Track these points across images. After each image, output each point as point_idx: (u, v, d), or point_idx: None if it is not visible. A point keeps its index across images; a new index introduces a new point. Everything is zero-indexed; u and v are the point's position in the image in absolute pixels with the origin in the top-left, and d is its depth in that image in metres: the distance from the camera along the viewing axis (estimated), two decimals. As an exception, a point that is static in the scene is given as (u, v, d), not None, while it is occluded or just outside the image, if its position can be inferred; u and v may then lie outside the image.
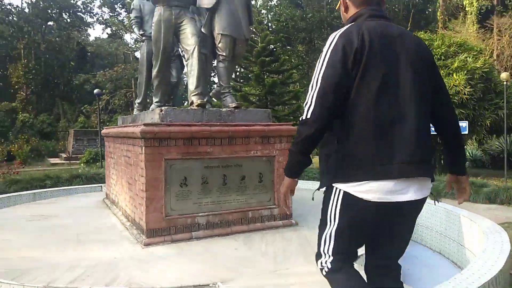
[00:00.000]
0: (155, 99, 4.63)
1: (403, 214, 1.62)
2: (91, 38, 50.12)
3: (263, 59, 13.80)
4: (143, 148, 3.48)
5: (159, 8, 4.24)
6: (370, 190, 1.51)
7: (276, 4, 39.10)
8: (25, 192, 6.49)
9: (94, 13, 56.12)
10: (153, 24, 4.33)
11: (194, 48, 4.08)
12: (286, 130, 4.13)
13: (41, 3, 42.37)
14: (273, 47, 14.48)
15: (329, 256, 1.70)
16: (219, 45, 4.23)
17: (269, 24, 37.79)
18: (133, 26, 5.20)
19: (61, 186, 8.03)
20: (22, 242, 3.58)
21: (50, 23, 45.99)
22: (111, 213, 4.82)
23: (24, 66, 38.03)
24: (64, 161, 20.92)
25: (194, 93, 4.01)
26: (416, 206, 1.63)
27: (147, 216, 3.48)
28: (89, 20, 48.61)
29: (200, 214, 3.70)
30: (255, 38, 15.56)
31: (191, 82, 4.07)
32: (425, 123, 1.62)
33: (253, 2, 34.44)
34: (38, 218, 4.62)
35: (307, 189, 7.19)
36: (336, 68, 1.53)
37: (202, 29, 4.28)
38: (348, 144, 1.56)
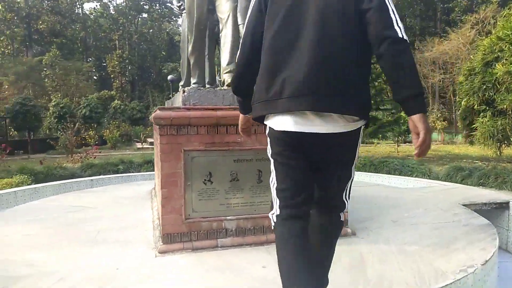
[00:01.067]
0: (192, 80, 4.03)
1: (317, 145, 1.57)
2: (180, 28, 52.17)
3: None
4: (159, 137, 2.91)
5: (191, -27, 3.60)
6: (277, 122, 1.57)
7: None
8: (83, 179, 6.45)
9: (183, 3, 58.17)
10: (186, -9, 3.71)
11: (229, 15, 3.39)
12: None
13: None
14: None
15: (277, 205, 1.69)
16: (262, 10, 3.47)
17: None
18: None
19: (132, 172, 8.03)
20: (37, 240, 3.26)
21: (143, 15, 48.73)
22: (150, 207, 4.39)
23: (118, 56, 40.74)
24: (149, 146, 21.90)
25: (227, 70, 3.33)
26: (325, 139, 1.53)
27: (163, 218, 2.91)
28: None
29: (228, 217, 3.04)
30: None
31: (224, 57, 3.39)
32: (333, 50, 1.47)
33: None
34: (76, 209, 4.36)
35: (380, 184, 6.16)
36: (252, 14, 1.69)
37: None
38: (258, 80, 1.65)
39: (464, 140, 11.96)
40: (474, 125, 9.41)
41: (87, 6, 44.30)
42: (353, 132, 1.56)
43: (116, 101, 30.11)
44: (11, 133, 22.76)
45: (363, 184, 6.22)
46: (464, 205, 4.19)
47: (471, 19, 22.95)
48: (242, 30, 3.93)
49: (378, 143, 19.17)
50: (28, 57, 29.99)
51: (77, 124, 15.24)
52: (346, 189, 1.75)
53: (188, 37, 4.50)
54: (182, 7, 4.65)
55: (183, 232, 2.94)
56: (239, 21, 4.02)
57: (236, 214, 3.06)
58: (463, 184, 6.21)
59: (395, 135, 17.03)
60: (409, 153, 15.35)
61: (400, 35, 1.42)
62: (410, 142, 21.30)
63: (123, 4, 45.65)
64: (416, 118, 1.40)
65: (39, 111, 21.16)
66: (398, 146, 16.52)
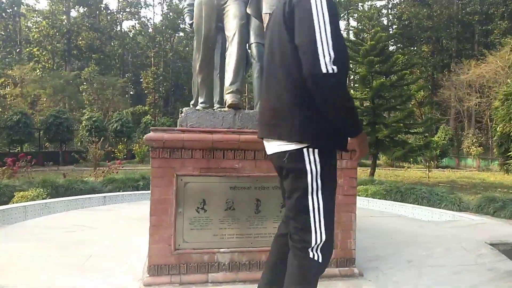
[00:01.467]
0: (200, 100, 3.87)
1: (276, 168, 1.82)
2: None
3: (371, 59, 12.32)
4: (151, 159, 2.73)
5: (199, -11, 3.48)
6: None
7: (398, 2, 36.16)
8: (96, 195, 6.39)
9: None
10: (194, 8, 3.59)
11: (235, 33, 3.23)
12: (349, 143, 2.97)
13: (170, 14, 46.12)
14: (384, 45, 12.83)
15: None
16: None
17: (389, 24, 35.07)
18: (185, 15, 4.57)
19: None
20: (23, 262, 3.12)
21: (180, 33, 50.01)
22: (153, 229, 4.21)
23: (153, 72, 41.78)
24: (175, 162, 22.02)
25: (229, 90, 3.14)
26: (273, 158, 1.77)
27: (150, 248, 2.70)
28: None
29: (221, 249, 2.79)
30: (364, 35, 14.07)
31: (228, 76, 3.21)
32: (272, 83, 1.72)
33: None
34: (76, 229, 4.25)
35: (401, 216, 5.74)
36: None
37: (247, 10, 3.39)
38: None
39: (499, 167, 11.27)
40: (510, 153, 8.83)
41: (126, 24, 45.85)
42: (293, 155, 1.62)
43: (147, 116, 30.70)
44: (45, 144, 23.54)
45: (383, 214, 5.83)
46: (491, 244, 3.76)
47: (511, 42, 22.03)
48: (254, 49, 3.79)
49: (408, 168, 18.45)
50: (66, 71, 31.20)
51: (101, 139, 15.43)
52: (308, 223, 1.62)
53: (196, 56, 4.37)
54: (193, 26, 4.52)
55: (171, 264, 2.72)
56: (252, 40, 3.86)
57: (230, 246, 2.81)
58: (495, 216, 5.72)
59: (426, 160, 16.35)
60: (440, 180, 14.64)
61: (324, 70, 1.44)
62: (442, 167, 20.43)
63: (160, 23, 47.07)
64: (353, 140, 1.70)
65: (72, 124, 21.78)
66: (429, 171, 15.80)
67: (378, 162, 19.89)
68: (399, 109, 13.40)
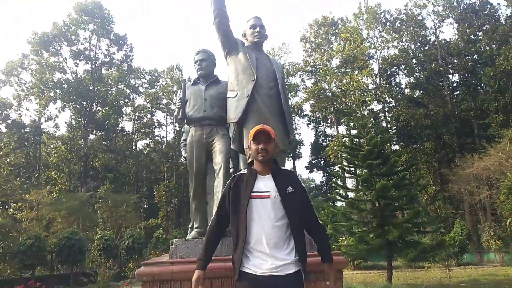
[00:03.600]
0: (195, 225, 4.19)
1: None
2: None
3: (370, 162, 12.80)
4: (143, 292, 2.94)
5: (192, 128, 4.04)
6: None
7: (394, 105, 38.21)
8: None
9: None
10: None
11: (220, 167, 3.68)
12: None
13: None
14: (380, 149, 13.42)
15: None
16: (249, 160, 3.73)
17: (389, 126, 36.57)
18: (181, 149, 5.12)
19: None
20: None
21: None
22: None
23: (165, 186, 42.82)
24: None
25: (216, 220, 3.45)
26: None
27: None
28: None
29: None
30: (361, 141, 14.78)
31: (215, 205, 3.56)
32: None
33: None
34: None
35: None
36: None
37: (232, 146, 3.88)
38: None
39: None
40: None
41: (141, 143, 48.36)
42: None
43: (159, 230, 30.70)
44: (57, 266, 23.32)
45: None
46: None
47: (508, 134, 22.70)
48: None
49: (428, 268, 17.68)
50: (82, 192, 32.24)
51: (111, 260, 15.40)
52: None
53: (190, 185, 4.83)
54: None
55: None
56: (241, 166, 4.32)
57: None
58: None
59: (445, 259, 15.76)
60: (461, 279, 13.97)
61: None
62: (464, 264, 19.54)
63: (173, 139, 49.70)
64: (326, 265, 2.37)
65: (83, 245, 21.86)
66: (449, 270, 15.12)
67: (396, 263, 19.19)
68: (405, 208, 13.47)
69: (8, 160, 29.49)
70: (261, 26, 4.12)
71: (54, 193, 33.80)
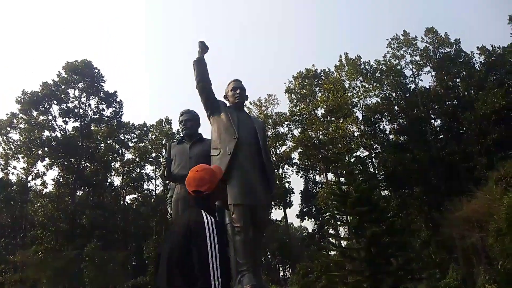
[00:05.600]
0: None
1: None
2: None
3: (359, 210, 12.90)
4: None
5: (177, 186, 4.18)
6: None
7: (380, 151, 38.85)
8: None
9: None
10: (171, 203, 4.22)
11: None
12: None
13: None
14: (367, 195, 13.57)
15: None
16: (233, 216, 3.86)
17: (376, 171, 36.97)
18: (168, 206, 5.21)
19: None
20: None
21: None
22: None
23: (154, 241, 41.82)
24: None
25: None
26: None
27: None
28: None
29: None
30: (350, 189, 14.94)
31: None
32: None
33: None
34: None
35: None
36: None
37: (216, 202, 4.01)
38: None
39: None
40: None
41: (129, 197, 47.69)
42: None
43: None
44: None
45: None
46: None
47: (493, 176, 23.09)
48: (229, 228, 4.28)
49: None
50: (68, 251, 31.29)
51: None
52: None
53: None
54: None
55: None
56: (227, 220, 4.42)
57: None
58: None
59: (442, 307, 15.45)
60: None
61: None
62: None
63: (161, 192, 49.20)
64: None
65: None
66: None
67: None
68: (398, 255, 13.40)
69: (-7, 220, 28.81)
70: (241, 88, 4.42)
71: (39, 253, 32.73)
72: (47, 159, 38.58)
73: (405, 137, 38.13)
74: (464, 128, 35.77)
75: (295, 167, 46.76)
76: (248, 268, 3.73)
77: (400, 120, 39.59)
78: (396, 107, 39.78)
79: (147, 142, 46.96)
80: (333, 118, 38.91)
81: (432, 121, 39.43)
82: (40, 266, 27.13)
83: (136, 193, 47.52)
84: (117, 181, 46.81)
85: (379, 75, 40.20)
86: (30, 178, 39.00)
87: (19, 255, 27.20)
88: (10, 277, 27.64)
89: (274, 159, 41.63)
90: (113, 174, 45.53)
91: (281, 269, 51.78)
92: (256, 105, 43.93)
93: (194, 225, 2.29)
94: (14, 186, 38.09)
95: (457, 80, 38.88)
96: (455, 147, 33.90)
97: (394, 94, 40.57)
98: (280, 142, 43.80)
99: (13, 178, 38.79)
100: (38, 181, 46.13)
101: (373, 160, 38.29)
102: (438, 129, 39.34)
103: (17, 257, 26.96)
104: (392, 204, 27.08)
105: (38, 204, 38.80)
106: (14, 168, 39.59)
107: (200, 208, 2.40)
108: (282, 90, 56.08)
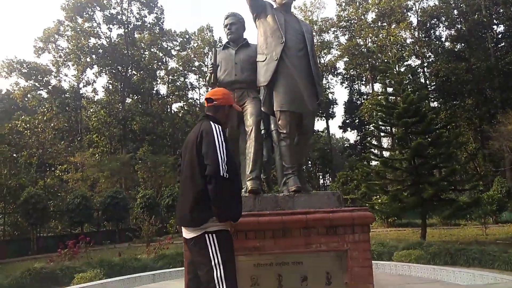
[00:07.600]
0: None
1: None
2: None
3: (406, 121, 12.57)
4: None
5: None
6: None
7: (433, 60, 36.49)
8: (146, 273, 6.87)
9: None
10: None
11: (252, 129, 3.81)
12: (359, 217, 3.32)
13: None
14: (417, 106, 13.09)
15: None
16: (279, 122, 3.85)
17: (427, 82, 35.22)
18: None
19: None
20: None
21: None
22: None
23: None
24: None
25: (249, 178, 3.66)
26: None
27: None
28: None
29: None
30: (396, 100, 14.45)
31: (247, 165, 3.75)
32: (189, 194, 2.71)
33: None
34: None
35: (440, 281, 5.64)
36: None
37: (262, 108, 4.00)
38: None
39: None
40: None
41: (176, 106, 49.05)
42: (196, 238, 2.64)
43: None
44: (104, 223, 24.95)
45: (422, 280, 5.79)
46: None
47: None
48: (275, 135, 4.33)
49: (464, 225, 17.55)
50: (122, 154, 33.63)
51: (153, 216, 16.29)
52: None
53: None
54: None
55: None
56: (272, 127, 4.47)
57: (257, 319, 3.14)
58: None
59: (481, 216, 15.58)
60: (498, 236, 13.84)
61: (221, 174, 2.53)
62: (502, 222, 19.23)
63: (205, 101, 50.12)
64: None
65: (127, 203, 23.13)
66: (486, 228, 14.99)
67: (431, 221, 19.15)
68: (442, 167, 13.27)
69: (51, 124, 30.97)
70: None
71: (96, 155, 35.48)
72: (95, 66, 39.77)
73: (462, 44, 35.32)
74: (531, 35, 32.46)
75: (339, 77, 45.47)
76: (293, 172, 3.83)
77: (459, 26, 36.36)
78: (455, 11, 36.27)
79: (189, 50, 46.72)
80: (385, 24, 36.36)
81: (495, 26, 35.86)
82: (98, 167, 29.55)
83: (182, 101, 48.76)
84: (163, 89, 47.96)
85: (439, -27, 36.15)
86: (81, 85, 40.78)
87: (78, 156, 29.59)
88: (73, 175, 30.50)
89: (319, 68, 40.38)
90: (158, 82, 46.51)
91: (321, 177, 53.33)
92: (301, 10, 41.57)
93: (204, 130, 2.69)
94: (68, 93, 40.08)
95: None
96: (516, 56, 31.15)
97: (454, -4, 36.76)
98: (325, 51, 42.09)
99: (65, 85, 40.66)
100: (89, 88, 48.01)
101: (425, 69, 36.24)
102: (499, 36, 35.87)
103: (77, 158, 29.36)
104: (440, 116, 26.12)
105: (91, 110, 41.07)
106: (66, 75, 41.40)
107: (209, 120, 2.78)
108: (329, -7, 52.02)
